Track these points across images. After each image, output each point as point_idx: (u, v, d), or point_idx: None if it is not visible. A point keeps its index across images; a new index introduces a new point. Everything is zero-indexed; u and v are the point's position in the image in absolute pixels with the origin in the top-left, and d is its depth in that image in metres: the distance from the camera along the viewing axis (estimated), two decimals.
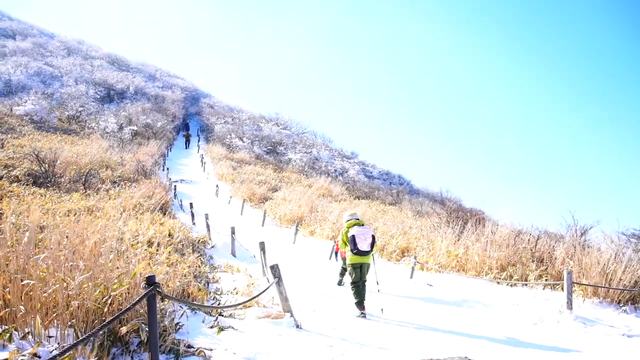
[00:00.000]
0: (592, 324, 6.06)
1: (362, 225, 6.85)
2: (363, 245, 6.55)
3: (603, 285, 6.94)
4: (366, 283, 6.67)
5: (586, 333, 5.72)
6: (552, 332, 5.70)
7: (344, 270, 8.32)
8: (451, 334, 5.52)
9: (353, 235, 6.61)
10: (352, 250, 6.61)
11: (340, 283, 8.54)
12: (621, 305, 6.77)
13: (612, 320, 6.23)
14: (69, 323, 3.73)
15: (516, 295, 7.65)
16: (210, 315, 5.34)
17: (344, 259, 8.08)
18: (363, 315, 6.31)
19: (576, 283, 6.96)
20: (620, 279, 6.95)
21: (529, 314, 6.52)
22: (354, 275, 6.61)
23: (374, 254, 7.13)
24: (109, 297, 4.04)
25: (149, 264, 5.89)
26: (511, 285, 8.34)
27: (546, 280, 8.10)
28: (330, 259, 11.71)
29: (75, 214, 8.60)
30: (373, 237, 6.71)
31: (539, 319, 6.27)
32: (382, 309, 6.58)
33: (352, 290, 6.55)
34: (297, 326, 5.34)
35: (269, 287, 5.58)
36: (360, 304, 6.43)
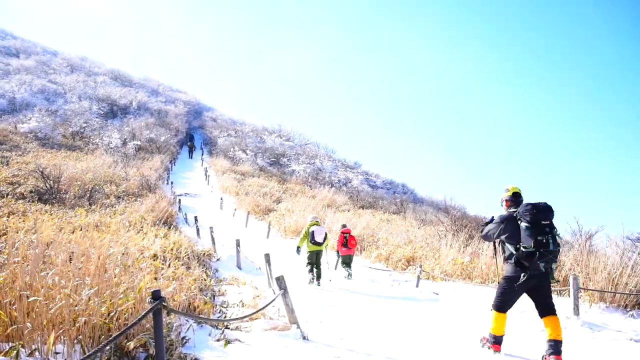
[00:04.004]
0: (599, 329, 6.03)
1: (319, 225, 9.91)
2: (319, 239, 9.66)
3: (609, 290, 6.91)
4: (321, 266, 9.74)
5: (594, 338, 5.68)
6: None
7: (342, 263, 10.80)
8: (458, 342, 5.50)
9: (312, 231, 9.67)
10: (310, 242, 9.65)
11: (349, 276, 10.54)
12: (628, 309, 6.73)
13: (619, 325, 6.19)
14: (76, 339, 3.74)
15: (523, 302, 7.58)
16: (217, 328, 5.35)
17: (337, 252, 10.98)
18: (312, 282, 9.49)
19: (582, 288, 6.92)
20: (627, 284, 6.92)
21: (536, 320, 6.48)
22: (309, 259, 9.64)
23: (327, 245, 10.27)
24: (115, 312, 4.06)
25: (155, 278, 5.92)
26: None
27: (552, 286, 8.06)
28: (335, 269, 11.71)
29: (81, 230, 8.64)
30: (326, 234, 9.88)
31: None
32: (330, 279, 10.04)
33: (307, 268, 9.66)
34: (304, 337, 5.33)
35: (274, 299, 5.58)
36: (311, 271, 9.60)
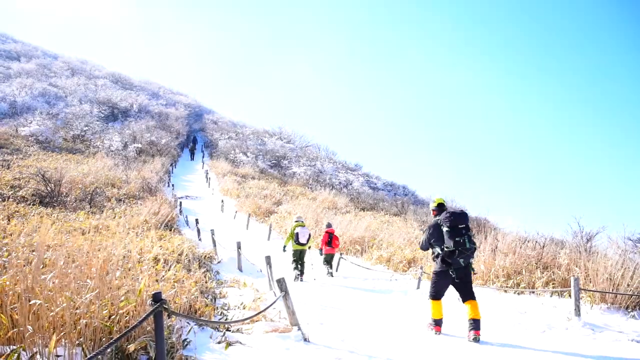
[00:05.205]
0: (600, 330, 6.02)
1: (303, 226, 10.84)
2: (303, 239, 10.60)
3: (610, 291, 6.90)
4: (304, 264, 10.64)
5: (595, 339, 5.68)
6: (561, 340, 5.66)
7: (325, 261, 11.43)
8: (460, 343, 5.49)
9: (297, 233, 10.60)
10: (295, 242, 10.57)
11: (330, 274, 11.24)
12: (629, 310, 6.72)
13: (620, 326, 6.18)
14: (77, 342, 3.74)
15: (524, 303, 7.61)
16: (218, 330, 5.35)
17: (320, 250, 11.66)
18: (299, 279, 10.29)
19: (583, 289, 6.91)
20: (628, 284, 6.91)
21: (537, 321, 6.48)
22: (294, 257, 10.54)
23: (310, 246, 11.01)
24: (116, 314, 4.06)
25: (156, 280, 5.92)
26: (518, 294, 8.30)
27: (553, 287, 8.06)
28: (337, 271, 11.75)
29: (82, 233, 8.64)
30: (309, 234, 10.83)
31: (547, 326, 6.23)
32: (314, 278, 10.72)
33: (292, 265, 10.55)
34: (305, 339, 5.33)
35: (275, 301, 5.58)
36: (296, 269, 10.45)
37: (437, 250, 5.81)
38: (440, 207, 6.08)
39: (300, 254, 10.55)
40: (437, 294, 5.87)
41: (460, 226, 5.66)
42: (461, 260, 5.61)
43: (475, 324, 5.48)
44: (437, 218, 5.94)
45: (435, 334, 5.78)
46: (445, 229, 5.71)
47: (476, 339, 5.41)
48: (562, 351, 5.16)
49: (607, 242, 9.09)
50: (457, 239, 5.60)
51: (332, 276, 11.12)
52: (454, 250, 5.60)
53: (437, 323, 5.83)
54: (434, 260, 5.93)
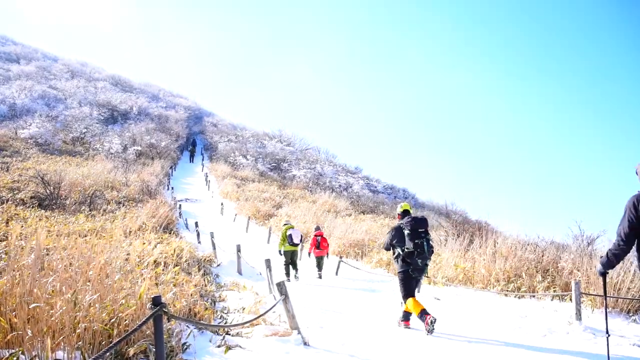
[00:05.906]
0: (601, 334, 5.98)
1: (294, 228, 11.28)
2: (296, 240, 11.02)
3: (612, 295, 6.88)
4: (297, 262, 11.26)
5: (596, 344, 5.66)
6: (562, 344, 5.64)
7: (318, 265, 11.71)
8: (460, 346, 5.47)
9: (290, 234, 10.99)
10: (288, 243, 10.95)
11: (320, 277, 11.56)
12: (631, 314, 6.71)
13: (622, 330, 6.16)
14: (76, 345, 3.72)
15: (524, 307, 7.58)
16: (218, 334, 5.33)
17: (309, 254, 12.13)
18: (288, 280, 10.60)
19: (584, 293, 6.90)
20: (629, 288, 6.89)
21: (538, 325, 6.46)
22: (286, 258, 10.97)
23: (300, 247, 12.16)
24: (116, 318, 4.04)
25: (155, 284, 5.91)
26: (519, 297, 8.28)
27: (554, 291, 8.04)
28: (336, 274, 11.74)
29: (82, 236, 8.62)
30: (301, 235, 11.45)
31: (548, 330, 6.21)
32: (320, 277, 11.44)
33: (284, 266, 10.96)
34: (305, 343, 5.31)
35: (275, 305, 5.57)
36: (287, 274, 10.84)
37: (398, 250, 6.30)
38: (405, 213, 6.65)
39: (292, 255, 11.05)
40: (409, 292, 6.25)
41: (420, 230, 6.24)
42: (419, 261, 6.14)
43: (423, 314, 5.91)
44: (400, 222, 6.49)
45: (431, 321, 5.81)
46: (406, 231, 6.25)
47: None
48: (563, 355, 5.15)
49: (608, 245, 9.06)
50: (416, 241, 6.16)
51: (320, 278, 11.46)
52: (413, 251, 6.15)
53: (424, 312, 5.94)
54: (395, 261, 6.42)
